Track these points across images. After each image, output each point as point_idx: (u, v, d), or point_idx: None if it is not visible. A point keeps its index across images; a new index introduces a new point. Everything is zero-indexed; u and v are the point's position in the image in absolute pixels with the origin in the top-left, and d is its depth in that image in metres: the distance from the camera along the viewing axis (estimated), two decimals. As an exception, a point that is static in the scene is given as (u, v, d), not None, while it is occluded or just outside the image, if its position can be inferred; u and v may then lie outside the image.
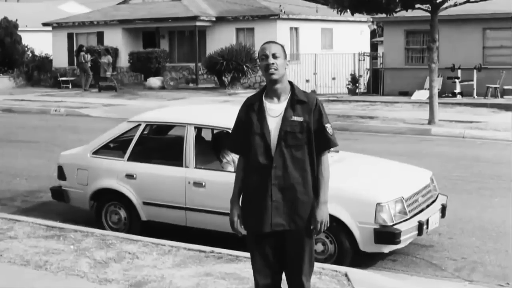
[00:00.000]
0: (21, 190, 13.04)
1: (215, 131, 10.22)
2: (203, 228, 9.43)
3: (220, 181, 8.96)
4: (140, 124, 9.99)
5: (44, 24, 44.66)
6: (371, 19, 39.50)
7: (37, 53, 45.15)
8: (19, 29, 45.02)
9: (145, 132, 10.30)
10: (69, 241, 9.07)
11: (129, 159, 9.87)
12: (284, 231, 5.55)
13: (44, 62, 44.14)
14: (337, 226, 8.34)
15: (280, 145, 5.48)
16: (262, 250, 5.64)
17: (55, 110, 28.07)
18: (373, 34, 51.28)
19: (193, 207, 9.34)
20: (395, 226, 8.26)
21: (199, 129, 10.01)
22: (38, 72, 43.27)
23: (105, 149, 10.26)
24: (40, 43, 45.32)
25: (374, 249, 8.47)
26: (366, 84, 34.98)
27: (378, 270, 8.60)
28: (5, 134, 20.95)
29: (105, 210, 10.10)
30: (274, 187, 5.49)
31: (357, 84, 34.33)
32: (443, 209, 9.35)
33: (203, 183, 9.17)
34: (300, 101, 5.54)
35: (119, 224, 10.01)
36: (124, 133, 10.18)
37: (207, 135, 10.63)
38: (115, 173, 9.88)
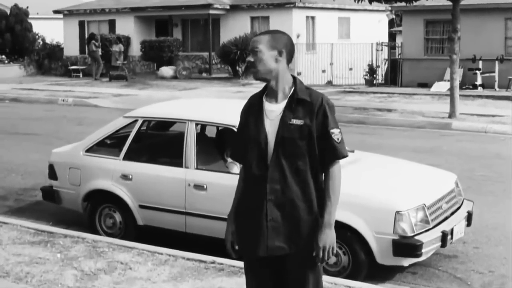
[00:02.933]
0: (15, 188, 12.30)
1: (219, 128, 9.39)
2: (204, 235, 8.61)
3: (224, 184, 8.11)
4: (137, 120, 9.18)
5: (55, 12, 44.13)
6: (390, 8, 38.93)
7: (48, 41, 44.62)
8: (29, 16, 44.39)
9: (143, 129, 9.51)
10: (56, 249, 8.31)
11: (124, 158, 9.07)
12: (285, 254, 4.69)
13: (55, 50, 43.57)
14: (352, 236, 7.59)
15: (277, 153, 4.62)
16: (258, 277, 4.84)
17: (63, 100, 27.45)
18: (391, 23, 50.68)
19: (193, 212, 8.53)
20: (416, 237, 7.45)
21: (201, 126, 9.20)
22: (49, 61, 42.65)
23: (100, 147, 9.46)
24: (51, 31, 44.72)
25: (393, 262, 7.65)
26: (384, 75, 34.33)
27: (396, 285, 7.83)
28: (6, 126, 20.24)
29: (99, 213, 9.33)
30: (270, 203, 4.63)
31: (374, 75, 33.62)
32: (469, 216, 8.51)
33: (205, 186, 8.36)
34: (301, 100, 4.66)
35: (113, 228, 9.23)
36: (119, 129, 9.37)
37: (211, 132, 9.82)
38: (110, 173, 9.08)
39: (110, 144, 9.59)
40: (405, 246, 7.43)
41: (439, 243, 7.70)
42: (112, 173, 9.04)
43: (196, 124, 8.74)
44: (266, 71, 4.66)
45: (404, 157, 14.06)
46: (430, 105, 24.77)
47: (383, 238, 7.45)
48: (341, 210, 7.47)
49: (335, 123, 4.67)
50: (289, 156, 4.61)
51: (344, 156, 4.69)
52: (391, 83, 32.92)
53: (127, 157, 9.06)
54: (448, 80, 23.96)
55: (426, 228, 7.61)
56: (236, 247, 4.86)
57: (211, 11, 37.60)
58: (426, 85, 30.53)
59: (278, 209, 4.62)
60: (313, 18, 38.42)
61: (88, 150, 9.38)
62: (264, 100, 4.76)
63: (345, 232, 7.51)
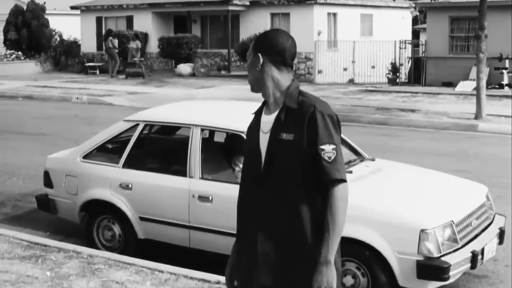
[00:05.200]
0: (14, 193, 11.64)
1: (228, 133, 8.63)
2: (210, 251, 7.88)
3: (231, 196, 7.19)
4: (138, 124, 8.46)
5: (73, 8, 43.65)
6: (414, 5, 38.54)
7: (65, 37, 44.13)
8: (46, 12, 43.90)
9: (144, 134, 8.77)
10: (47, 265, 7.62)
11: (124, 166, 8.35)
12: None
13: (72, 47, 43.02)
14: (371, 256, 6.84)
15: (266, 173, 3.93)
16: None
17: (77, 98, 26.88)
18: (415, 20, 49.99)
19: (197, 226, 7.79)
20: (443, 258, 6.68)
21: (207, 131, 8.47)
22: (65, 57, 42.12)
23: (98, 153, 8.77)
24: (69, 27, 44.24)
25: (416, 285, 6.83)
26: (407, 74, 33.61)
27: (420, 309, 6.98)
28: (14, 125, 19.65)
29: (97, 224, 8.61)
30: (261, 234, 3.94)
31: (397, 74, 32.99)
32: (501, 233, 7.71)
33: (210, 197, 7.61)
34: (290, 109, 3.95)
35: (112, 241, 8.52)
36: (119, 134, 8.66)
37: (221, 137, 9.07)
38: (108, 182, 8.36)
39: (109, 150, 8.90)
40: (431, 268, 6.67)
41: (469, 265, 6.93)
42: (111, 182, 8.34)
43: (202, 130, 8.00)
44: (252, 81, 4.07)
45: (428, 162, 13.43)
46: (455, 105, 24.05)
47: (406, 259, 6.69)
48: (359, 226, 6.86)
49: (329, 137, 3.89)
50: (279, 177, 3.91)
51: (338, 180, 3.90)
52: (414, 82, 32.31)
53: (127, 165, 8.35)
54: (474, 80, 23.44)
55: (454, 248, 6.84)
56: (235, 283, 4.22)
57: (231, 7, 36.88)
58: (450, 84, 29.97)
59: (270, 241, 3.93)
60: (334, 14, 37.61)
61: (85, 156, 8.68)
62: (263, 110, 4.10)
63: (363, 250, 6.84)
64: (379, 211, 6.93)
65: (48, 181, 9.04)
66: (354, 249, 6.81)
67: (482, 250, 7.08)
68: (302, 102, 3.94)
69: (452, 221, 6.87)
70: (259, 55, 4.01)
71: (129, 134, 8.58)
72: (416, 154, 14.81)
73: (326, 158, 3.84)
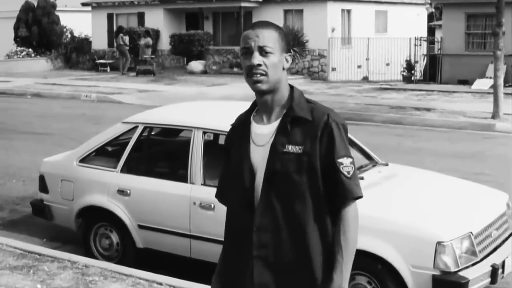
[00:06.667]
0: (13, 196, 11.21)
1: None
2: (211, 262, 7.42)
3: (234, 203, 6.88)
4: (137, 126, 7.99)
5: (83, 4, 43.35)
6: (429, 1, 38.03)
7: (76, 34, 43.90)
8: (57, 9, 43.71)
9: (143, 136, 8.30)
10: (39, 276, 7.20)
11: (122, 170, 7.90)
12: None
13: (83, 44, 42.81)
14: (383, 269, 6.37)
15: (266, 194, 3.40)
16: None
17: (86, 96, 26.57)
18: (430, 17, 49.65)
19: (199, 235, 7.33)
20: (461, 273, 6.23)
21: (210, 134, 8.01)
22: (76, 54, 41.88)
23: (95, 156, 8.32)
24: (80, 23, 43.94)
25: (432, 302, 6.37)
26: (422, 71, 33.30)
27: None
28: (19, 124, 19.27)
29: (94, 232, 8.17)
30: (258, 263, 3.42)
31: (412, 71, 32.66)
32: (524, 245, 7.20)
33: (212, 205, 7.14)
34: (299, 119, 3.43)
35: (110, 250, 8.08)
36: (118, 136, 8.20)
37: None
38: (105, 187, 7.92)
39: (106, 154, 8.44)
40: (448, 283, 6.20)
41: (488, 279, 6.47)
42: (108, 187, 7.89)
43: (204, 132, 7.53)
44: (276, 80, 3.45)
45: (444, 164, 12.96)
46: (472, 104, 23.63)
47: (422, 274, 6.24)
48: (371, 238, 6.37)
49: (346, 149, 3.42)
50: (283, 198, 3.40)
51: (357, 197, 3.44)
52: (430, 80, 32.00)
53: (125, 169, 7.91)
54: (491, 77, 23.03)
55: (473, 262, 6.39)
56: None
57: (243, 4, 36.55)
58: (467, 82, 29.69)
59: (269, 270, 3.41)
60: (349, 11, 37.22)
61: (82, 160, 8.23)
62: (251, 120, 3.54)
63: (375, 264, 6.39)
64: (393, 221, 6.46)
65: (43, 186, 8.60)
66: (365, 262, 6.35)
67: (503, 263, 6.66)
68: (312, 110, 3.45)
69: (471, 233, 6.42)
70: (291, 54, 3.56)
71: (128, 136, 8.13)
72: (432, 155, 14.34)
73: (345, 173, 3.38)
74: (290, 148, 3.38)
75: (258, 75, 3.40)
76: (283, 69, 3.48)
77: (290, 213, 3.38)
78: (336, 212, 3.43)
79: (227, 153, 3.68)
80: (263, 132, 3.47)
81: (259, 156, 3.44)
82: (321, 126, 3.38)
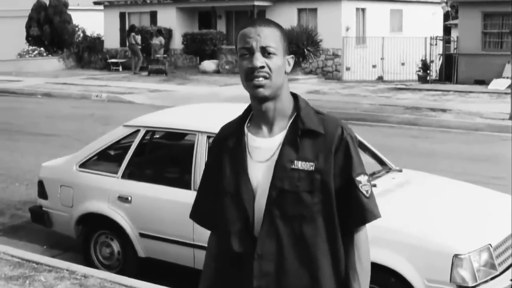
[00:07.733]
0: (15, 200, 10.91)
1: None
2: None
3: (239, 212, 6.52)
4: (139, 130, 7.64)
5: (96, 3, 43.27)
6: (445, 0, 37.23)
7: (88, 33, 43.83)
8: (69, 7, 43.61)
9: (145, 141, 7.96)
10: (35, 287, 6.81)
11: (123, 176, 7.56)
12: None
13: (95, 43, 42.71)
14: (396, 283, 6.01)
15: (270, 217, 2.99)
16: None
17: (96, 96, 26.33)
18: (446, 16, 49.19)
19: (203, 244, 6.94)
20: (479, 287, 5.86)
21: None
22: (88, 53, 41.77)
23: (96, 161, 7.99)
24: (92, 23, 43.87)
25: (448, 318, 6.02)
26: (438, 71, 33.05)
27: None
28: (27, 125, 19.00)
29: (94, 240, 7.83)
30: None
31: (428, 71, 32.38)
32: (545, 257, 6.81)
33: (217, 213, 6.76)
34: (309, 132, 3.02)
35: (111, 259, 7.75)
36: (119, 140, 7.87)
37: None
38: (106, 194, 7.58)
39: (107, 158, 8.11)
40: (465, 299, 5.84)
41: (509, 294, 6.11)
42: (109, 194, 7.55)
43: (208, 137, 7.17)
44: (279, 85, 3.05)
45: (460, 167, 12.58)
46: (488, 104, 23.23)
47: (437, 288, 5.88)
48: (383, 250, 5.98)
49: (362, 166, 3.06)
50: (290, 221, 2.99)
51: (376, 217, 3.08)
52: (445, 80, 31.73)
53: (126, 175, 7.57)
54: (508, 77, 22.73)
55: (492, 275, 6.02)
56: None
57: (256, 3, 36.28)
58: (483, 82, 29.34)
59: None
60: (363, 10, 36.93)
61: (82, 165, 7.90)
62: (246, 131, 3.12)
63: (388, 277, 6.02)
64: (407, 232, 6.09)
65: (42, 192, 8.28)
66: (377, 275, 5.93)
67: (524, 277, 6.24)
68: (323, 121, 3.06)
69: (490, 245, 6.06)
70: (293, 56, 3.19)
71: (129, 140, 7.79)
72: (447, 158, 13.96)
73: (364, 192, 3.03)
74: (300, 164, 2.98)
75: (261, 79, 3.00)
76: (285, 72, 3.10)
77: (298, 237, 2.99)
78: (346, 234, 3.07)
79: (209, 169, 3.25)
80: (263, 146, 3.06)
81: (259, 173, 3.03)
82: (335, 140, 3.01)
